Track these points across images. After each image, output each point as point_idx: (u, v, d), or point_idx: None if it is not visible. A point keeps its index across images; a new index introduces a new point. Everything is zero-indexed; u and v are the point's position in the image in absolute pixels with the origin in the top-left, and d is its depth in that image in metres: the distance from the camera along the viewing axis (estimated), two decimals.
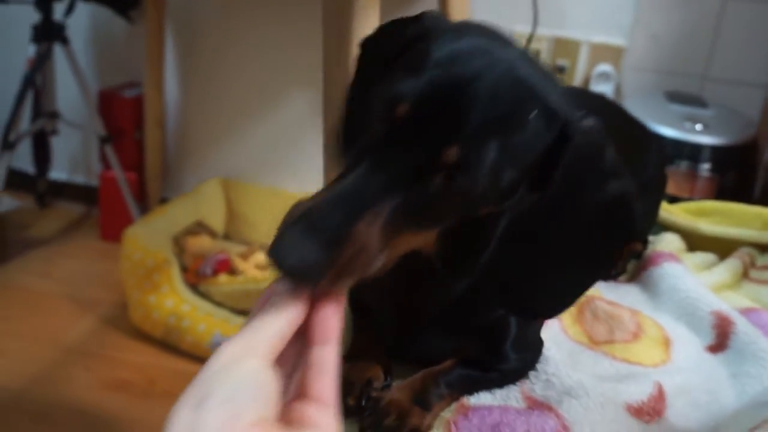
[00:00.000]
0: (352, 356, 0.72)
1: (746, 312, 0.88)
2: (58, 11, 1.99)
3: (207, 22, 2.18)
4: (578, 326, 0.86)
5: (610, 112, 0.98)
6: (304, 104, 2.17)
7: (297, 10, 2.06)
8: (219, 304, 1.81)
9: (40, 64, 1.97)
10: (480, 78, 0.50)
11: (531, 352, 0.74)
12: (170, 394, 1.63)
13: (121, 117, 2.19)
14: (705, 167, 1.53)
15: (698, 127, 1.57)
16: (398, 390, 0.68)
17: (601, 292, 0.92)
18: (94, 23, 2.25)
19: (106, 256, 2.20)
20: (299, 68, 2.12)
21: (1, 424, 1.49)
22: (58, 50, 2.02)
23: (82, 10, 2.07)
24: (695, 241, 1.07)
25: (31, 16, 1.96)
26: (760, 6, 1.78)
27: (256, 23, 2.12)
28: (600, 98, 0.98)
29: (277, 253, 0.46)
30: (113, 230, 2.24)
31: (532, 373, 0.73)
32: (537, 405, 0.70)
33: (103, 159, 2.21)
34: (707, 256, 1.04)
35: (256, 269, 1.94)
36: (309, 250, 0.46)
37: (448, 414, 0.68)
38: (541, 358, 0.75)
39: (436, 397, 0.68)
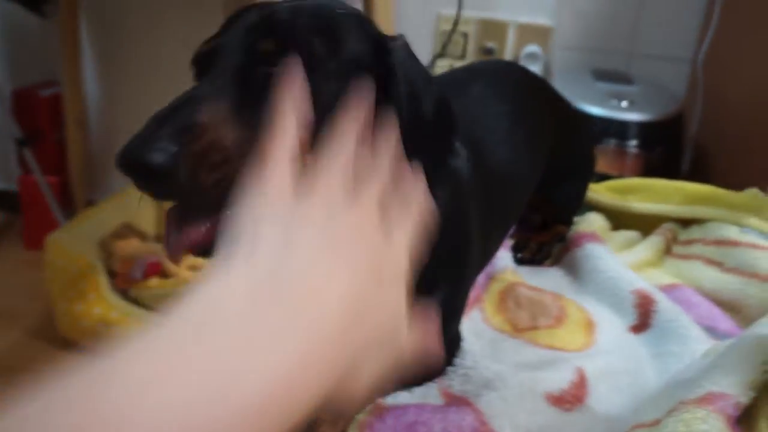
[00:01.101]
0: None
1: (668, 289, 0.88)
2: None
3: (124, 13, 2.09)
4: (501, 315, 0.84)
5: (540, 90, 0.96)
6: None
7: None
8: (150, 307, 1.75)
9: None
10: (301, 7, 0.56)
11: (454, 344, 0.72)
12: None
13: (39, 117, 2.09)
14: (632, 144, 1.53)
15: (624, 104, 1.57)
16: None
17: (523, 278, 0.90)
18: (4, 19, 2.14)
19: (31, 265, 2.10)
20: None
21: None
22: None
23: None
24: (621, 219, 1.06)
25: None
26: None
27: (175, 10, 2.04)
28: (530, 77, 0.96)
29: (124, 150, 0.46)
30: (38, 238, 2.12)
31: (449, 369, 0.71)
32: (455, 401, 0.67)
33: (22, 163, 2.11)
34: (630, 234, 1.04)
35: (188, 270, 1.87)
36: (153, 139, 0.46)
37: (362, 416, 0.65)
38: (469, 351, 0.72)
39: None
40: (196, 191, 0.48)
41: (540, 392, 0.68)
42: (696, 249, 0.95)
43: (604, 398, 0.70)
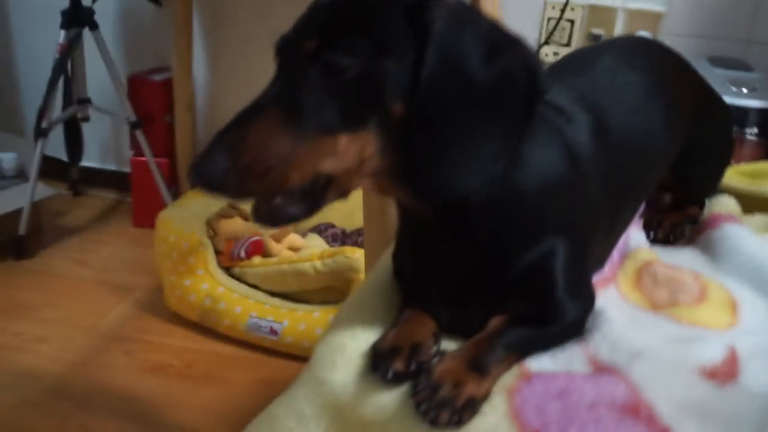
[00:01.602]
0: (399, 321, 0.70)
1: None
2: None
3: (235, 3, 2.15)
4: (638, 292, 0.82)
5: (679, 67, 0.95)
6: None
7: None
8: (253, 286, 1.80)
9: (71, 49, 1.96)
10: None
11: (586, 299, 0.71)
12: (208, 376, 1.63)
13: (151, 101, 2.18)
14: (752, 131, 1.47)
15: (744, 90, 1.52)
16: (451, 357, 0.65)
17: (659, 256, 0.88)
18: (122, 8, 2.24)
19: (140, 242, 2.20)
20: None
21: (43, 409, 1.49)
22: (86, 36, 2.01)
23: None
24: (751, 205, 1.02)
25: (61, 2, 1.95)
26: None
27: (285, 2, 2.09)
28: (669, 53, 0.94)
29: (190, 168, 0.56)
30: (146, 216, 2.23)
31: (597, 335, 0.70)
32: (603, 369, 0.66)
33: (134, 145, 2.20)
34: (765, 218, 1.00)
35: (289, 251, 1.92)
36: (212, 158, 0.55)
37: (509, 380, 0.65)
38: (606, 319, 0.71)
39: (494, 361, 0.65)
40: (250, 196, 0.58)
41: (692, 366, 0.67)
42: None
43: (757, 376, 0.68)
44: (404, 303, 0.74)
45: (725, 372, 0.67)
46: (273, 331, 1.67)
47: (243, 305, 1.70)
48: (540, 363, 0.68)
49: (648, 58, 0.89)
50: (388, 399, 0.65)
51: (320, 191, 0.60)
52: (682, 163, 0.91)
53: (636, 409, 0.62)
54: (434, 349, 0.68)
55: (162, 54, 2.25)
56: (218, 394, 1.57)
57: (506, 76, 0.59)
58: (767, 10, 1.77)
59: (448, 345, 0.69)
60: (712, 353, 0.69)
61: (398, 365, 0.64)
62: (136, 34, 2.28)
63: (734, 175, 1.05)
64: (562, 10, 1.84)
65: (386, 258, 0.84)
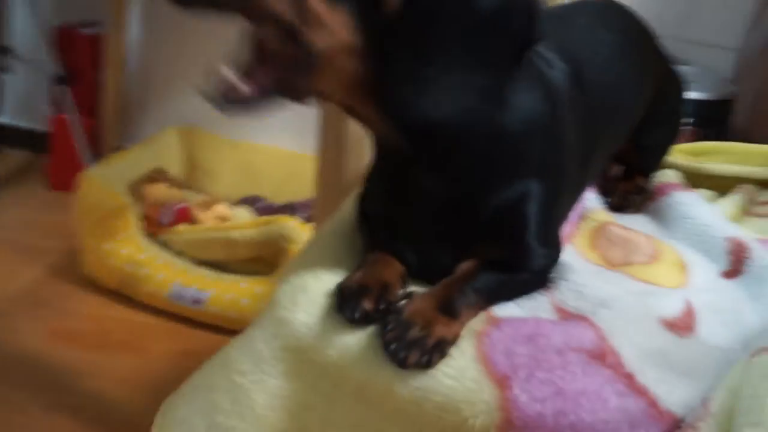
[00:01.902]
0: (366, 263, 0.68)
1: (756, 241, 0.87)
2: None
3: None
4: (594, 251, 0.83)
5: (647, 33, 0.98)
6: None
7: None
8: (178, 254, 1.73)
9: None
10: None
11: (554, 248, 0.71)
12: (126, 344, 1.55)
13: (78, 56, 2.05)
14: (689, 121, 1.53)
15: None
16: (420, 299, 0.64)
17: (615, 219, 0.89)
18: None
19: (55, 205, 2.07)
20: None
21: None
22: None
23: None
24: (693, 181, 1.06)
25: None
26: None
27: None
28: (638, 19, 0.97)
29: None
30: (63, 179, 2.10)
31: (563, 284, 0.70)
32: (570, 316, 0.66)
33: (55, 102, 2.07)
34: (707, 193, 1.04)
35: (216, 220, 1.85)
36: None
37: (477, 325, 0.64)
38: (571, 269, 0.71)
39: (463, 304, 0.64)
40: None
41: (654, 316, 0.68)
42: None
43: (712, 330, 0.69)
44: (370, 246, 0.72)
45: (684, 324, 0.68)
46: (196, 301, 1.60)
47: (166, 272, 1.63)
48: (507, 309, 0.67)
49: (621, 20, 0.92)
50: (353, 340, 0.62)
51: (291, 53, 0.57)
52: (640, 131, 0.93)
53: (602, 355, 0.62)
54: (402, 291, 0.66)
55: (92, 6, 2.12)
56: (137, 364, 1.50)
57: (507, 12, 0.58)
58: (699, 13, 1.85)
59: (416, 289, 0.68)
60: (671, 306, 0.70)
61: (366, 304, 0.62)
62: None
63: (678, 154, 1.08)
64: None
65: (347, 204, 0.82)
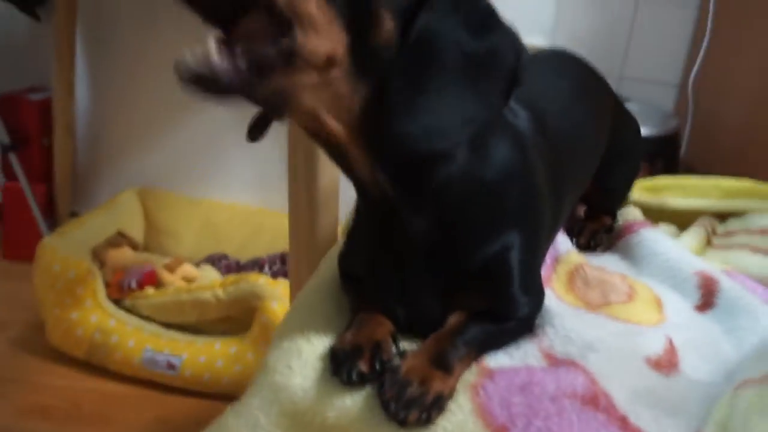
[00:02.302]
0: (354, 323, 0.69)
1: (723, 273, 0.91)
2: None
3: (121, 17, 2.06)
4: (571, 294, 0.85)
5: (599, 78, 1.02)
6: (224, 109, 2.10)
7: None
8: (146, 318, 1.70)
9: None
10: None
11: (539, 295, 0.73)
12: (99, 416, 1.50)
13: (27, 123, 2.02)
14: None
15: None
16: (414, 356, 0.64)
17: (588, 260, 0.92)
18: None
19: (11, 275, 2.02)
20: None
21: None
22: None
23: None
24: (654, 216, 1.10)
25: None
26: (670, 8, 1.89)
27: (177, 20, 2.03)
28: (589, 66, 1.00)
29: None
30: (18, 247, 2.06)
31: (549, 330, 0.72)
32: (560, 362, 0.68)
33: (5, 169, 2.04)
34: (669, 228, 1.07)
35: (183, 281, 1.83)
36: None
37: (471, 378, 0.65)
38: (554, 314, 0.73)
39: (456, 358, 0.65)
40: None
41: (639, 356, 0.70)
42: (739, 239, 0.99)
43: (694, 366, 0.72)
44: (357, 304, 0.72)
45: (668, 362, 0.71)
46: (171, 365, 1.57)
47: (137, 338, 1.60)
48: (497, 360, 0.68)
49: (573, 68, 0.96)
50: (351, 401, 0.63)
51: (275, 57, 0.55)
52: (601, 172, 0.97)
53: (595, 399, 0.64)
54: (394, 348, 0.67)
55: (39, 73, 2.11)
56: None
57: (496, 50, 0.60)
58: (638, 48, 1.93)
59: (406, 345, 0.69)
60: (654, 344, 0.72)
61: (362, 366, 0.63)
62: (11, 50, 2.12)
63: (636, 190, 1.12)
64: None
65: (327, 262, 0.83)
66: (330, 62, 0.56)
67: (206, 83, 0.54)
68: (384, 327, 0.68)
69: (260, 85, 0.55)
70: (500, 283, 0.68)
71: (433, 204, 0.65)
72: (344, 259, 0.78)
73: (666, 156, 1.67)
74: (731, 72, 1.69)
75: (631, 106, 1.72)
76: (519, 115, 0.76)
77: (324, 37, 0.55)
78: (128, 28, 2.07)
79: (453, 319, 0.68)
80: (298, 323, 0.71)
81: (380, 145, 0.61)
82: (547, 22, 1.93)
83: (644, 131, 1.60)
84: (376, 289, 0.72)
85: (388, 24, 0.57)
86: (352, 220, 0.76)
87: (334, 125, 0.60)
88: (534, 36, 1.95)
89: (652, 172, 1.61)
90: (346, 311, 0.74)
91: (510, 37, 0.62)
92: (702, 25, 1.82)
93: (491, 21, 0.61)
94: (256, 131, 0.69)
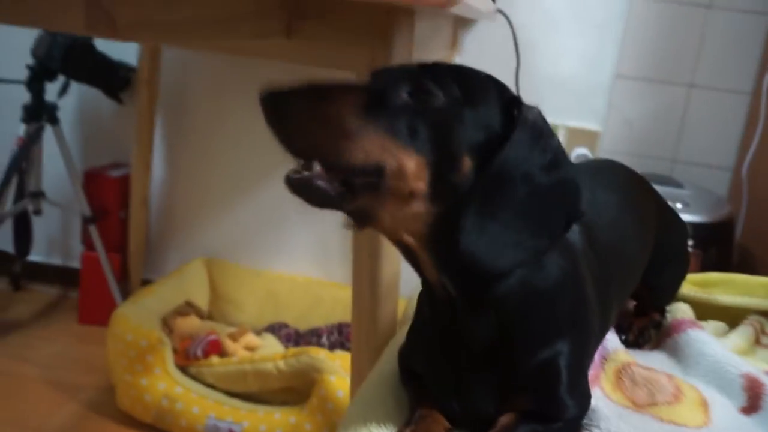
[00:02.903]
0: (413, 419, 0.74)
1: None
2: (50, 91, 2.00)
3: (195, 103, 2.23)
4: (619, 392, 0.89)
5: (642, 185, 1.07)
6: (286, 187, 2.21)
7: None
8: (210, 386, 1.78)
9: (30, 144, 1.97)
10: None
11: (585, 398, 0.77)
12: None
13: (106, 197, 2.18)
14: (689, 243, 1.61)
15: (679, 205, 1.67)
16: None
17: (636, 358, 0.96)
18: (82, 103, 2.27)
19: (86, 339, 2.15)
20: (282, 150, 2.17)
21: None
22: (46, 130, 2.03)
23: (70, 89, 2.09)
24: (702, 311, 1.13)
25: (22, 95, 1.97)
26: (724, 93, 1.94)
27: (245, 103, 2.17)
28: (633, 173, 1.07)
29: (265, 97, 0.61)
30: (93, 313, 2.19)
31: (595, 430, 0.76)
32: None
33: (85, 239, 2.18)
34: (719, 324, 1.10)
35: (245, 350, 1.92)
36: (292, 96, 0.61)
37: None
38: (602, 416, 0.77)
39: None
40: (309, 146, 0.62)
41: None
42: None
43: None
44: (415, 400, 0.78)
45: None
46: None
47: (201, 405, 1.68)
48: None
49: (617, 178, 1.01)
50: None
51: (366, 185, 0.63)
52: (648, 271, 1.01)
53: None
54: None
55: (119, 150, 2.28)
56: None
57: (560, 186, 0.67)
58: (692, 132, 1.97)
59: None
60: None
61: None
62: (96, 129, 2.30)
63: (686, 285, 1.16)
64: None
65: (389, 355, 0.89)
66: (412, 195, 0.64)
67: (308, 195, 0.63)
68: (439, 425, 0.73)
69: (349, 202, 0.64)
70: (549, 387, 0.73)
71: (492, 310, 0.71)
72: (404, 355, 0.84)
73: (720, 242, 1.69)
74: None
75: (685, 192, 1.77)
76: (572, 230, 0.81)
77: (410, 180, 0.63)
78: (201, 111, 2.23)
79: (504, 419, 0.73)
80: (362, 416, 0.77)
81: (447, 257, 0.68)
82: (601, 106, 2.00)
83: (698, 217, 1.64)
84: (433, 386, 0.77)
85: (468, 164, 0.65)
86: (415, 318, 0.83)
87: (408, 237, 0.68)
88: (587, 120, 2.02)
89: (706, 259, 1.64)
90: (405, 406, 0.79)
91: (573, 173, 0.68)
92: (755, 109, 1.85)
93: (560, 158, 0.67)
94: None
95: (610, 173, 1.02)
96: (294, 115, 0.60)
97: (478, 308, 0.71)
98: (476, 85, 0.67)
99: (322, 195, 0.62)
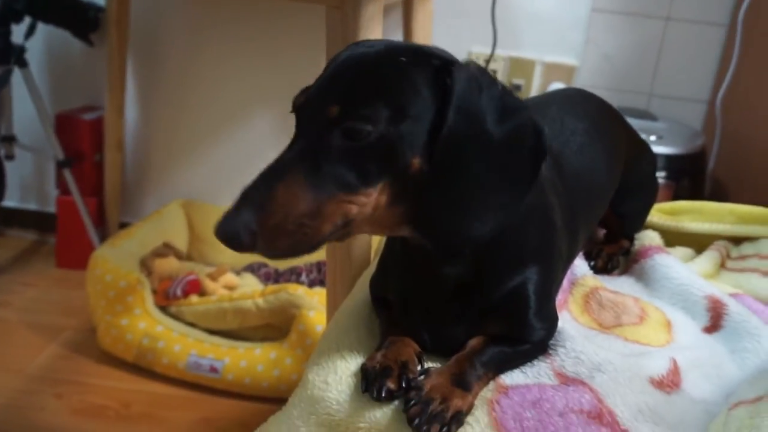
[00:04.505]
0: (384, 344, 0.76)
1: (731, 296, 0.96)
2: (16, 33, 1.95)
3: (168, 43, 2.18)
4: (586, 315, 0.92)
5: (612, 113, 1.07)
6: (265, 124, 2.20)
7: (259, 29, 2.10)
8: (191, 324, 1.80)
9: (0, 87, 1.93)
10: (358, 58, 0.66)
11: (552, 321, 0.80)
12: (148, 416, 1.61)
13: (80, 140, 2.15)
14: (661, 175, 1.63)
15: (653, 138, 1.68)
16: (437, 374, 0.72)
17: (603, 283, 0.98)
18: (51, 45, 2.22)
19: (65, 283, 2.15)
20: (261, 89, 2.15)
21: None
22: (14, 72, 1.98)
23: (38, 32, 2.04)
24: (672, 238, 1.15)
25: None
26: (700, 27, 1.93)
27: (219, 43, 2.14)
28: (602, 102, 1.06)
29: (217, 228, 0.60)
30: (71, 257, 2.19)
31: (561, 350, 0.78)
32: (570, 381, 0.75)
33: (60, 184, 2.16)
34: (686, 250, 1.13)
35: (225, 289, 1.93)
36: (239, 218, 0.59)
37: (488, 394, 0.72)
38: (567, 336, 0.80)
39: (474, 377, 0.72)
40: (280, 253, 0.62)
41: (644, 376, 0.76)
42: (751, 263, 1.04)
43: (696, 385, 0.78)
44: (386, 327, 0.80)
45: (670, 381, 0.77)
46: (213, 369, 1.67)
47: (182, 343, 1.70)
48: (513, 378, 0.75)
49: (587, 106, 1.02)
50: (381, 414, 0.70)
51: (340, 232, 0.65)
52: (617, 200, 1.03)
53: (600, 415, 0.70)
54: (419, 367, 0.74)
55: (92, 93, 2.24)
56: None
57: (516, 135, 0.66)
58: (667, 66, 1.97)
59: (432, 365, 0.76)
60: (658, 365, 0.78)
61: (390, 384, 0.70)
62: (66, 72, 2.26)
63: (656, 213, 1.18)
64: (486, 62, 1.98)
65: (362, 285, 0.90)
66: (378, 209, 0.65)
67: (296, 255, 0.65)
68: (410, 348, 0.75)
69: (328, 241, 0.66)
70: (519, 313, 0.75)
71: (468, 256, 0.73)
72: (376, 283, 0.85)
73: (693, 173, 1.71)
74: (760, 90, 1.72)
75: (659, 125, 1.78)
76: None
77: (373, 206, 0.65)
78: (174, 52, 2.19)
79: (473, 342, 0.75)
80: (335, 343, 0.79)
81: (425, 233, 0.69)
82: (578, 40, 1.98)
83: (671, 149, 1.66)
84: (404, 314, 0.79)
85: (417, 162, 0.64)
86: (385, 247, 0.84)
87: (389, 231, 0.71)
88: (564, 55, 2.01)
89: (678, 190, 1.66)
90: (377, 332, 0.81)
91: (527, 114, 0.67)
92: (731, 43, 1.85)
93: (509, 104, 0.66)
94: None
95: (579, 101, 1.02)
96: (254, 236, 0.60)
97: (454, 257, 0.73)
98: (403, 88, 0.64)
99: (308, 249, 0.64)
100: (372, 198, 0.64)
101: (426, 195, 0.65)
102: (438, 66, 0.65)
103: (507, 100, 0.67)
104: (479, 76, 0.66)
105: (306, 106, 0.67)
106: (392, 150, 0.63)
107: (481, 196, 0.65)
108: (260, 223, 0.59)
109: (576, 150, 0.91)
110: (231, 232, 0.59)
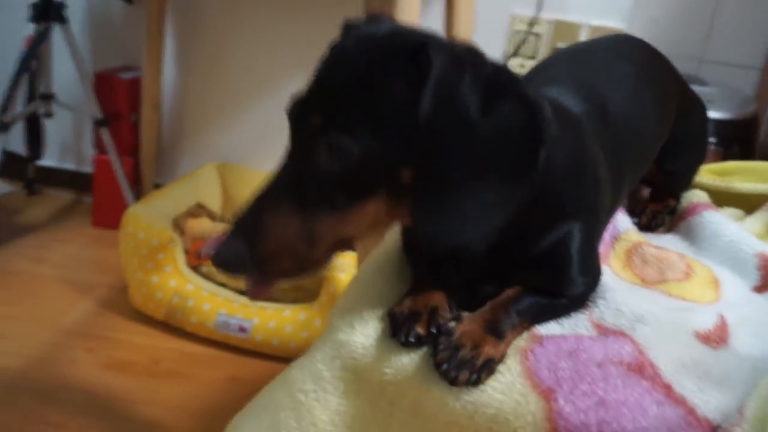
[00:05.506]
0: (414, 289, 0.73)
1: None
2: None
3: (207, 5, 2.16)
4: (628, 270, 0.87)
5: (664, 62, 1.01)
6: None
7: None
8: (221, 284, 1.79)
9: (39, 43, 1.93)
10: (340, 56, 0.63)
11: (594, 275, 0.75)
12: (176, 373, 1.61)
13: (117, 100, 2.15)
14: (711, 141, 1.56)
15: None
16: (469, 321, 0.68)
17: (647, 239, 0.93)
18: (92, 4, 2.21)
19: (99, 241, 2.16)
20: (296, 56, 2.12)
21: (5, 403, 1.45)
22: (54, 30, 1.98)
23: None
24: (720, 199, 1.10)
25: None
26: None
27: (257, 8, 2.11)
28: (654, 50, 1.00)
29: (213, 256, 0.60)
30: (107, 216, 2.20)
31: (601, 302, 0.74)
32: (609, 332, 0.71)
33: (97, 143, 2.17)
34: (735, 211, 1.07)
35: None
36: (233, 248, 0.59)
37: (521, 343, 0.69)
38: (608, 288, 0.76)
39: (508, 325, 0.68)
40: (273, 277, 0.62)
41: (689, 330, 0.71)
42: None
43: (745, 342, 0.73)
44: (417, 274, 0.76)
45: (717, 337, 0.72)
46: (242, 329, 1.66)
47: (212, 303, 1.69)
48: (548, 328, 0.72)
49: (636, 52, 0.96)
50: (407, 360, 0.67)
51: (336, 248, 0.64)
52: (665, 156, 0.97)
53: (641, 367, 0.66)
54: (450, 313, 0.71)
55: (130, 53, 2.23)
56: (186, 392, 1.56)
57: (507, 122, 0.59)
58: (720, 31, 1.89)
59: (464, 312, 0.72)
60: (705, 320, 0.74)
61: (419, 329, 0.67)
62: (106, 31, 2.25)
63: (704, 174, 1.12)
64: (530, 24, 1.92)
65: (393, 234, 0.87)
66: (373, 223, 0.63)
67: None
68: (441, 294, 0.72)
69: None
70: (559, 268, 0.71)
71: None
72: (408, 234, 0.82)
73: (743, 140, 1.64)
74: None
75: (710, 90, 1.70)
76: (578, 108, 0.77)
77: (367, 220, 0.63)
78: (213, 15, 2.17)
79: (508, 291, 0.71)
80: (363, 287, 0.76)
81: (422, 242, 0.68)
82: (625, 3, 1.91)
83: (721, 115, 1.59)
84: (435, 265, 0.75)
85: (408, 172, 0.60)
86: None
87: (387, 230, 0.71)
88: (611, 18, 1.93)
89: (727, 156, 1.59)
90: (407, 279, 0.78)
91: (518, 98, 0.60)
92: None
93: (498, 85, 0.60)
94: None
95: (629, 47, 0.97)
96: (248, 263, 0.60)
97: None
98: (383, 98, 0.59)
99: (305, 271, 0.63)
100: (366, 214, 0.61)
101: (415, 198, 0.61)
102: (412, 51, 0.59)
103: (498, 80, 0.60)
104: (462, 55, 0.60)
105: (295, 115, 0.65)
106: (379, 165, 0.59)
107: (472, 196, 0.59)
108: (253, 252, 0.59)
109: (625, 96, 0.86)
110: (226, 262, 0.60)
